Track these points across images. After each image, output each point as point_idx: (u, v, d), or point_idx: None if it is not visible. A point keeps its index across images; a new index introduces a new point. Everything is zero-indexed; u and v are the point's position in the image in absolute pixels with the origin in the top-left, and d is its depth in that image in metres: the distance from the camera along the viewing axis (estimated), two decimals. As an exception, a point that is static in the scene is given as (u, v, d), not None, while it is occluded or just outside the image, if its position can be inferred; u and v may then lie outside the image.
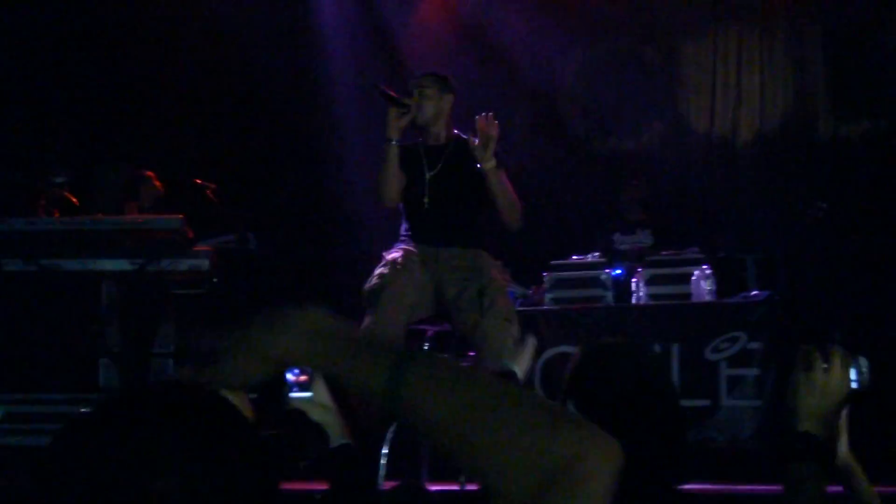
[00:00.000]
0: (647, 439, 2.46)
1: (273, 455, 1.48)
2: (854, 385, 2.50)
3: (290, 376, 3.55)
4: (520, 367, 5.87)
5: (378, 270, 6.11)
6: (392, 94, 6.17)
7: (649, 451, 2.44)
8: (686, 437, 2.62)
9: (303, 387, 3.57)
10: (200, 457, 1.43)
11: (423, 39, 10.45)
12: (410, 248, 6.20)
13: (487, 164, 5.99)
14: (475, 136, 6.19)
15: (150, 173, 8.78)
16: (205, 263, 7.48)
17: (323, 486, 3.84)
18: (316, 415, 3.59)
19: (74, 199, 8.28)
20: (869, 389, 2.52)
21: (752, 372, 7.27)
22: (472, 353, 6.10)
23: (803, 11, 10.16)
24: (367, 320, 5.91)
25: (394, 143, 6.16)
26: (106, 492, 1.39)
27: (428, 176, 6.27)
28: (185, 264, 7.47)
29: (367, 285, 6.10)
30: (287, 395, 3.57)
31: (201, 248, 7.61)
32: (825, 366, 2.49)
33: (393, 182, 6.24)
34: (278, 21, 10.69)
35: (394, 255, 6.17)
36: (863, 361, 2.53)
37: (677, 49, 10.52)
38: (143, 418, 1.46)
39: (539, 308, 7.94)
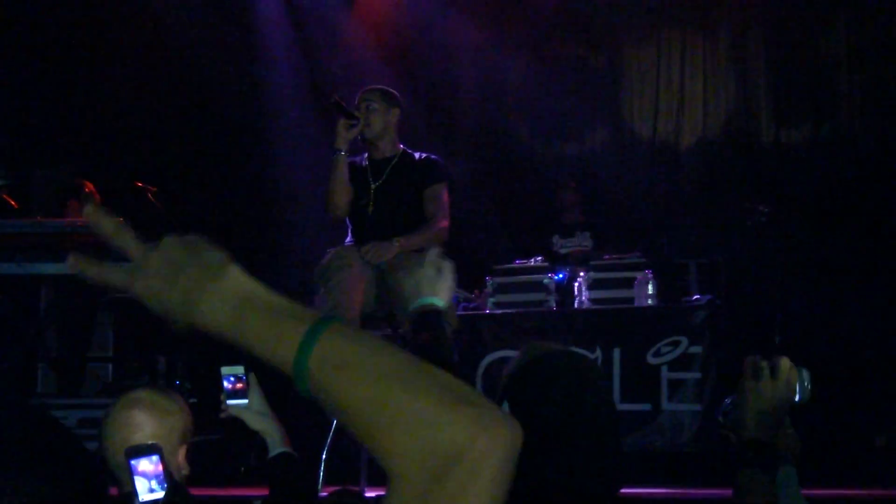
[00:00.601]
0: (582, 445, 2.46)
1: (99, 467, 1.46)
2: (797, 397, 2.54)
3: (226, 384, 3.54)
4: (442, 297, 5.87)
5: (325, 257, 6.14)
6: (344, 105, 6.19)
7: (585, 457, 2.45)
8: (621, 443, 2.63)
9: (239, 394, 3.56)
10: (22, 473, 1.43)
11: (363, 45, 10.43)
12: (349, 253, 6.20)
13: (392, 251, 6.07)
14: (422, 152, 6.31)
15: (87, 184, 8.70)
16: (146, 266, 7.41)
17: (262, 492, 3.83)
18: (254, 423, 3.58)
19: (13, 203, 8.20)
20: (810, 400, 2.55)
21: (693, 376, 7.30)
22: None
23: (746, 16, 10.22)
24: (319, 295, 5.93)
25: (343, 153, 6.21)
26: None
27: (373, 186, 6.33)
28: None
29: (318, 266, 6.13)
30: (223, 402, 3.55)
31: (142, 251, 7.54)
32: (771, 374, 2.53)
33: (342, 192, 6.28)
34: (221, 20, 10.63)
35: (330, 260, 6.18)
36: (805, 374, 2.56)
37: (620, 54, 10.56)
38: None
39: (481, 312, 7.94)
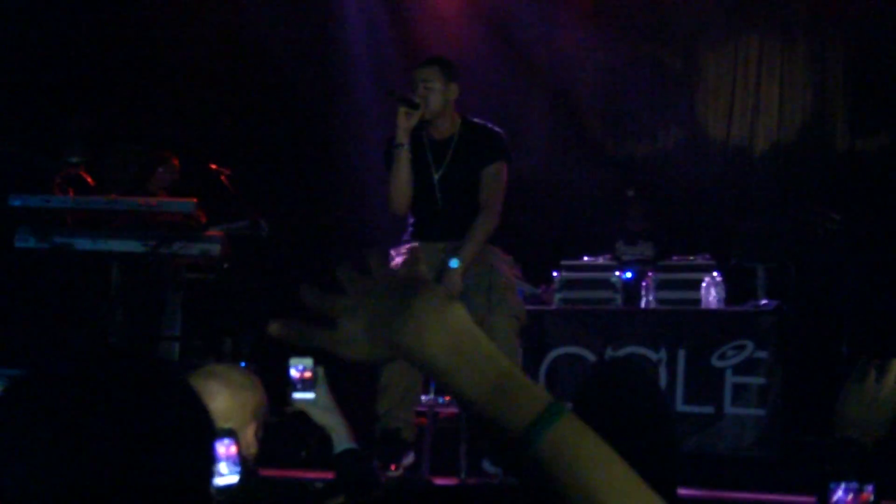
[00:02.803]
0: (641, 448, 2.50)
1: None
2: None
3: (293, 373, 3.51)
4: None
5: (395, 260, 6.05)
6: (403, 94, 6.03)
7: (644, 459, 2.48)
8: (678, 448, 2.70)
9: (306, 385, 3.53)
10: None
11: (441, 35, 10.42)
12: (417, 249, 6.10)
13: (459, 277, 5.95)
14: (483, 122, 6.18)
15: (170, 154, 8.80)
16: (216, 248, 7.49)
17: (322, 476, 3.86)
18: (319, 417, 3.55)
19: (90, 179, 8.29)
20: None
21: (758, 381, 7.26)
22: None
23: (825, 23, 10.13)
24: None
25: (405, 146, 6.02)
26: None
27: (436, 176, 6.15)
28: (196, 248, 7.48)
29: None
30: (290, 394, 3.53)
31: (213, 232, 7.62)
32: (879, 378, 2.52)
33: (405, 189, 6.09)
34: (300, 8, 10.69)
35: (400, 259, 6.03)
36: None
37: (697, 55, 10.49)
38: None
39: (547, 307, 7.94)
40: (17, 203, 7.37)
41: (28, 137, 8.82)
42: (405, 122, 5.98)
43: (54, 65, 9.88)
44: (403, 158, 6.03)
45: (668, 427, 2.62)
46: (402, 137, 5.99)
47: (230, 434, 2.75)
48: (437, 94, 6.05)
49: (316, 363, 3.47)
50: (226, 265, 8.06)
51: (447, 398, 6.89)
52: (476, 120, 6.27)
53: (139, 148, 8.99)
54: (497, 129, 6.28)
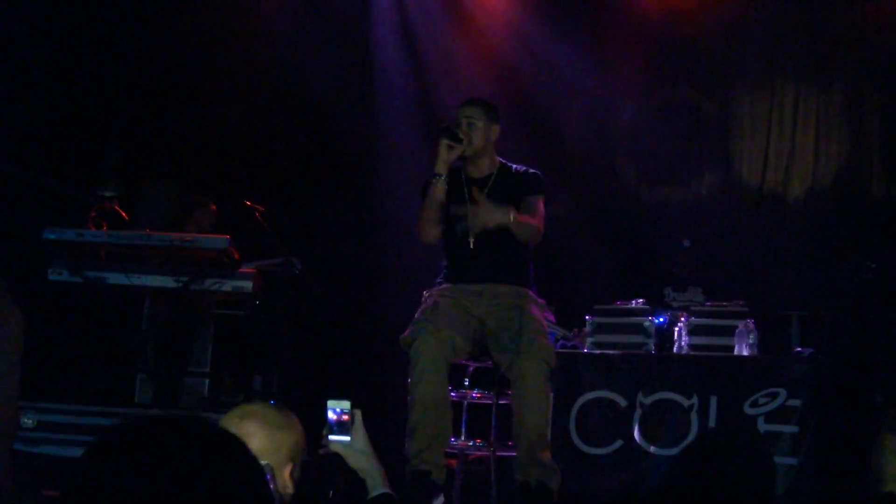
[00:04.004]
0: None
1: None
2: None
3: (331, 416, 3.48)
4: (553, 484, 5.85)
5: (429, 301, 6.08)
6: (451, 128, 6.11)
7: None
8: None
9: (342, 428, 3.50)
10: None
11: (475, 79, 10.43)
12: (450, 290, 6.14)
13: (504, 221, 5.97)
14: (521, 165, 6.21)
15: (207, 199, 8.83)
16: (248, 285, 7.48)
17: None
18: (354, 461, 3.51)
19: (124, 214, 8.32)
20: None
21: (791, 429, 7.19)
22: (510, 392, 6.07)
23: (862, 70, 10.10)
24: (417, 343, 5.85)
25: (443, 177, 6.11)
26: None
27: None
28: (229, 285, 7.48)
29: (419, 310, 6.07)
30: (326, 436, 3.49)
31: (246, 269, 7.62)
32: None
33: (437, 219, 6.17)
34: (334, 46, 10.73)
35: (434, 300, 6.10)
36: None
37: (733, 101, 10.46)
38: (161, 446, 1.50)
39: (579, 351, 7.90)
40: (51, 236, 7.40)
41: (62, 171, 8.85)
42: (446, 154, 6.08)
43: (90, 99, 9.93)
44: (440, 188, 6.13)
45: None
46: (442, 168, 6.10)
47: (267, 470, 2.71)
48: (479, 132, 6.17)
49: (353, 406, 3.45)
50: (257, 302, 8.05)
51: (478, 440, 6.87)
52: (514, 164, 6.33)
53: (175, 184, 9.03)
54: (533, 169, 6.38)
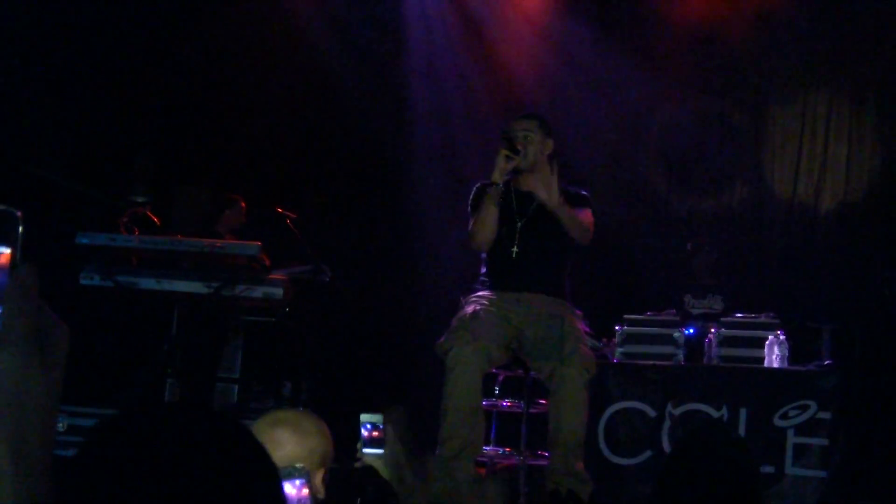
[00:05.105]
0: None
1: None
2: None
3: (364, 431, 3.50)
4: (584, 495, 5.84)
5: (467, 307, 6.10)
6: (511, 138, 6.13)
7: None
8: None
9: (376, 442, 3.51)
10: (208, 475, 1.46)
11: (505, 88, 10.44)
12: (489, 299, 6.15)
13: (552, 204, 5.98)
14: (568, 185, 6.23)
15: (237, 197, 8.86)
16: (279, 292, 7.51)
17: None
18: (387, 473, 3.53)
19: (156, 219, 8.36)
20: None
21: (820, 442, 7.17)
22: (542, 401, 6.06)
23: (895, 82, 10.06)
24: (454, 351, 5.85)
25: (500, 186, 6.09)
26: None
27: (519, 224, 6.23)
28: (259, 291, 7.51)
29: (456, 317, 6.07)
30: (359, 449, 3.51)
31: (276, 276, 7.64)
32: None
33: (492, 227, 6.16)
34: (366, 51, 10.74)
35: (472, 308, 6.11)
36: None
37: (765, 112, 10.44)
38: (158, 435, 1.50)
39: (608, 361, 7.89)
40: (83, 241, 7.44)
41: (95, 176, 8.91)
42: (503, 164, 6.07)
43: (122, 105, 9.98)
44: (496, 197, 6.11)
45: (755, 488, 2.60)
46: (499, 177, 6.08)
47: (301, 474, 2.70)
48: (535, 145, 6.20)
49: (387, 414, 3.47)
50: (287, 309, 8.08)
51: (507, 449, 6.87)
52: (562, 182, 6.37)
53: (207, 190, 9.06)
54: (583, 190, 6.47)
